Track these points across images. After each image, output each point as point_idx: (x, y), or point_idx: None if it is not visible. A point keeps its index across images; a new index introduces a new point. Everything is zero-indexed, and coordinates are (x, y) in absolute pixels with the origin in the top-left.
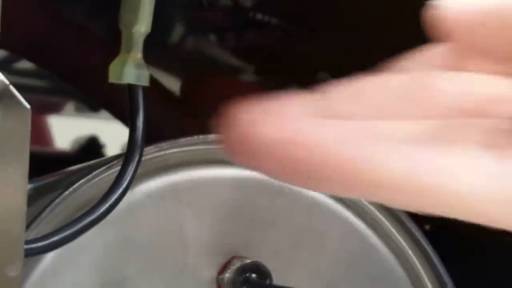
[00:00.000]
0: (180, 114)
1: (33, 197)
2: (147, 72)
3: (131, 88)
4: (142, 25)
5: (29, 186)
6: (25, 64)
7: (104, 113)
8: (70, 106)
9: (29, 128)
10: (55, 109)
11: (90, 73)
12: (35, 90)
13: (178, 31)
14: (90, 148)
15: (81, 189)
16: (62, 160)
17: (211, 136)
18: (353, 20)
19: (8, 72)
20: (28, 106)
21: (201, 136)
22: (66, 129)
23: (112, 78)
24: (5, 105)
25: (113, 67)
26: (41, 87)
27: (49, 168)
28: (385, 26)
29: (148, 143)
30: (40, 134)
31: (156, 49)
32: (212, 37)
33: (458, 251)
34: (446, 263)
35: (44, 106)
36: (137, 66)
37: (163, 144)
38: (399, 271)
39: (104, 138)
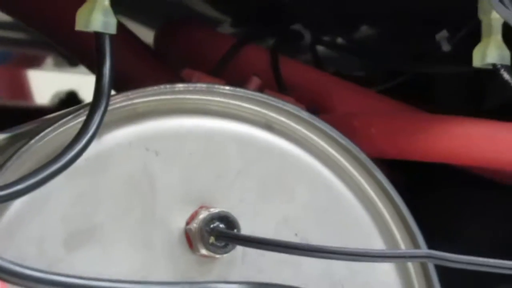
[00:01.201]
0: (153, 64)
1: (5, 147)
2: (114, 19)
3: (98, 35)
4: (99, 11)
5: (3, 135)
6: (3, 17)
7: (83, 68)
8: (49, 60)
9: None
10: (35, 63)
11: (59, 21)
12: (14, 43)
13: None
14: (69, 102)
15: (48, 137)
16: (41, 115)
17: (180, 86)
18: None
19: None
20: None
21: (168, 86)
22: (46, 84)
23: (79, 26)
24: None
25: (80, 14)
26: (20, 39)
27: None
28: None
29: (118, 92)
30: (19, 88)
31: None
32: None
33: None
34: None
35: (23, 60)
36: (105, 13)
37: (131, 93)
38: (369, 222)
39: (83, 93)
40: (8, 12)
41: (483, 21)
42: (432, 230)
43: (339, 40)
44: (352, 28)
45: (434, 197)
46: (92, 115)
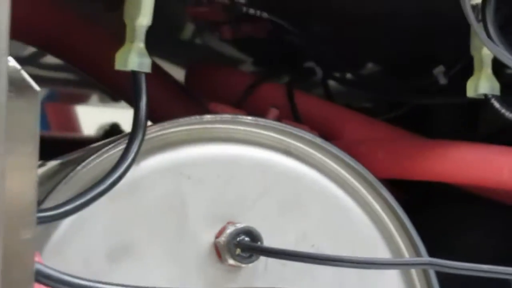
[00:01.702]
0: (184, 98)
1: (56, 172)
2: (149, 60)
3: (134, 74)
4: (144, 18)
5: (56, 162)
6: (52, 59)
7: (124, 102)
8: (95, 97)
9: (38, 107)
10: (82, 100)
11: (101, 63)
12: (64, 83)
13: (180, 26)
14: (113, 133)
15: (93, 164)
16: (88, 144)
17: (208, 117)
18: (333, 18)
19: (38, 66)
20: (37, 88)
21: (198, 117)
22: (92, 118)
23: (118, 66)
24: (17, 87)
25: (118, 56)
26: (69, 80)
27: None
28: (367, 24)
29: (154, 124)
30: (68, 122)
31: (162, 43)
32: (212, 30)
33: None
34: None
35: (72, 98)
36: (140, 54)
37: (165, 124)
38: (376, 235)
39: (124, 125)
40: (58, 56)
41: (475, 56)
42: (431, 242)
43: (348, 75)
44: (359, 65)
45: (432, 212)
46: (130, 144)
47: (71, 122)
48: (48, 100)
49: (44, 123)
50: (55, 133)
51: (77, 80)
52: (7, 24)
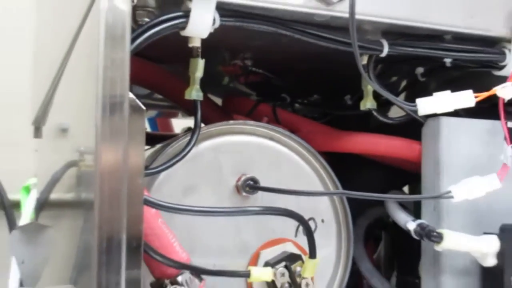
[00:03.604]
0: (221, 114)
1: (159, 150)
2: (201, 93)
3: (194, 101)
4: (199, 72)
5: (159, 145)
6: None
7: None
8: (180, 114)
9: (144, 118)
10: (174, 115)
11: (180, 96)
12: (164, 107)
13: (221, 77)
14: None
15: (174, 146)
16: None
17: (231, 122)
18: (303, 73)
19: (152, 99)
20: (144, 108)
21: (226, 121)
22: (178, 124)
23: (187, 97)
24: (134, 108)
25: (187, 92)
26: (166, 105)
27: None
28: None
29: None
30: (167, 127)
31: (211, 85)
32: (236, 79)
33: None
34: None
35: (169, 114)
36: (197, 90)
37: (210, 125)
38: (313, 175)
39: None
40: (159, 93)
41: (364, 89)
42: (344, 181)
43: (304, 100)
44: (309, 95)
45: (345, 167)
46: (192, 135)
47: (168, 127)
48: (157, 116)
49: (155, 127)
50: (160, 132)
51: (171, 105)
52: (127, 77)
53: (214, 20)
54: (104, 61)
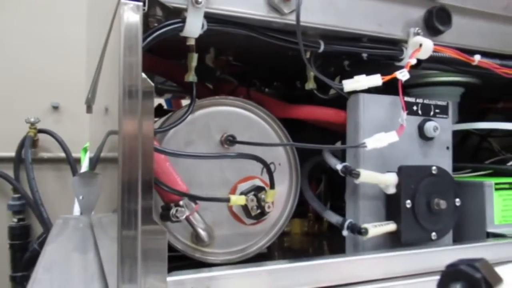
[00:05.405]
0: (212, 94)
1: (169, 116)
2: (196, 78)
3: (191, 83)
4: (194, 63)
5: (168, 115)
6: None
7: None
8: (188, 96)
9: (153, 100)
10: (183, 97)
11: (182, 80)
12: (175, 91)
13: (212, 71)
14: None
15: (177, 113)
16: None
17: (217, 97)
18: (269, 66)
19: (166, 85)
20: (152, 84)
21: (217, 96)
22: (184, 102)
23: (186, 79)
24: (144, 93)
25: (186, 76)
26: (177, 90)
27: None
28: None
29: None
30: (179, 105)
31: (207, 77)
32: (223, 69)
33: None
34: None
35: (179, 96)
36: (193, 75)
37: (203, 99)
38: (272, 133)
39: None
40: (169, 80)
41: (308, 74)
42: (293, 139)
43: (268, 85)
44: (272, 81)
45: (295, 128)
46: (189, 106)
47: (180, 105)
48: (172, 98)
49: (170, 106)
50: (174, 109)
51: (180, 90)
52: (140, 70)
53: (203, 25)
54: (123, 57)
